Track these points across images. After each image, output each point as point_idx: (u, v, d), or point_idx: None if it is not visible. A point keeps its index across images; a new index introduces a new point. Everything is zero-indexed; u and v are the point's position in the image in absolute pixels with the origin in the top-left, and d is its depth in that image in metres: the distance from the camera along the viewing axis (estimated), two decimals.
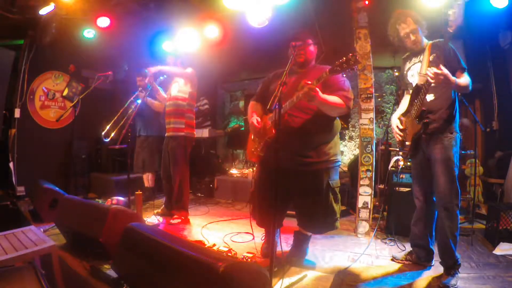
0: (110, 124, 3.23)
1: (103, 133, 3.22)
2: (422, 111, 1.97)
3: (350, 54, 1.66)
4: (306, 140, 2.03)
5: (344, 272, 2.12)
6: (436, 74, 1.76)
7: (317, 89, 1.77)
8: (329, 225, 2.14)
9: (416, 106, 1.99)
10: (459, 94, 2.06)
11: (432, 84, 1.83)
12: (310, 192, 2.08)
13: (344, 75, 1.89)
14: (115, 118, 3.25)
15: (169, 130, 3.30)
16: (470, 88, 1.90)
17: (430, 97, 2.02)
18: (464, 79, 1.89)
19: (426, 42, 2.07)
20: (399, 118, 2.21)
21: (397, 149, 2.36)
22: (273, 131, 1.98)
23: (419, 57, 2.10)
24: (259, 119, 2.16)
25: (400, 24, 2.08)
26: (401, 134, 2.18)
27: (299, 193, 2.13)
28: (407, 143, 2.12)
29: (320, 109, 1.94)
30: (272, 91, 2.09)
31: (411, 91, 2.11)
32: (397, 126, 2.19)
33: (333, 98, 1.91)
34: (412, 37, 2.06)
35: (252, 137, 2.27)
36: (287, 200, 2.21)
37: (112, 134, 3.21)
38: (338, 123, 2.17)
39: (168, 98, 3.38)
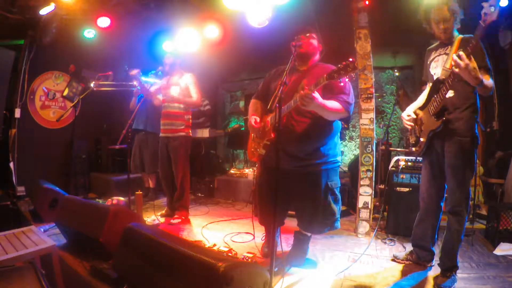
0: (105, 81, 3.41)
1: (93, 84, 3.43)
2: (441, 107, 1.88)
3: (349, 60, 1.60)
4: (305, 143, 2.01)
5: (344, 272, 2.12)
6: (461, 58, 1.60)
7: (316, 94, 1.74)
8: (328, 225, 2.13)
9: (436, 102, 1.90)
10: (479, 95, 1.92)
11: (456, 70, 1.66)
12: (309, 193, 2.08)
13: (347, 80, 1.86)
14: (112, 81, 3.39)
15: (168, 131, 3.26)
16: (492, 92, 1.78)
17: (449, 93, 1.88)
18: (488, 80, 1.74)
19: (456, 35, 1.93)
20: (415, 112, 2.12)
21: (401, 149, 2.29)
22: (272, 134, 1.96)
23: (445, 49, 1.97)
24: (258, 119, 2.15)
25: (435, 8, 1.92)
26: (411, 124, 2.09)
27: (298, 193, 2.13)
28: (421, 139, 2.04)
29: (318, 113, 1.91)
30: (273, 89, 2.09)
31: (430, 84, 2.02)
32: (408, 115, 2.11)
33: (332, 104, 1.87)
34: (442, 26, 1.91)
35: (253, 137, 2.26)
36: (288, 200, 2.21)
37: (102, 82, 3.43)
38: (338, 123, 2.14)
39: (167, 99, 3.32)
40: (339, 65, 1.64)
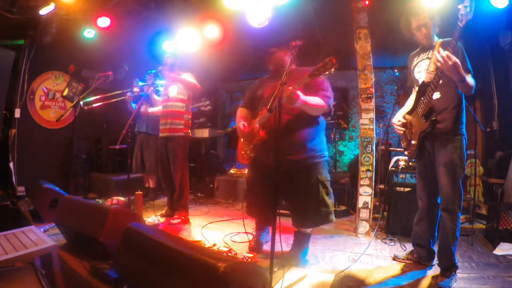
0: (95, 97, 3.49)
1: (82, 103, 3.46)
2: (429, 109, 1.95)
3: (327, 59, 1.74)
4: (292, 139, 2.09)
5: (344, 272, 2.12)
6: (447, 57, 1.66)
7: (299, 92, 1.88)
8: (323, 217, 2.16)
9: (423, 104, 1.96)
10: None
11: (440, 74, 1.74)
12: (300, 187, 2.14)
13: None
14: (109, 95, 3.56)
15: (167, 130, 3.24)
16: (473, 91, 1.86)
17: (436, 95, 1.96)
18: (470, 80, 1.83)
19: (436, 39, 2.02)
20: (404, 117, 2.18)
21: (401, 149, 2.33)
22: (261, 133, 2.11)
23: (427, 53, 2.06)
24: (246, 124, 2.26)
25: (414, 16, 2.03)
26: (402, 129, 2.15)
27: (290, 190, 2.17)
28: (413, 142, 2.09)
29: (302, 110, 2.03)
30: (260, 96, 2.30)
31: (417, 88, 2.08)
32: (399, 121, 2.18)
33: (314, 99, 2.02)
34: (424, 31, 2.01)
35: (242, 140, 2.34)
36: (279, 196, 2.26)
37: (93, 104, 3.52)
38: (323, 120, 2.27)
39: (165, 99, 3.31)
40: (318, 65, 1.80)
